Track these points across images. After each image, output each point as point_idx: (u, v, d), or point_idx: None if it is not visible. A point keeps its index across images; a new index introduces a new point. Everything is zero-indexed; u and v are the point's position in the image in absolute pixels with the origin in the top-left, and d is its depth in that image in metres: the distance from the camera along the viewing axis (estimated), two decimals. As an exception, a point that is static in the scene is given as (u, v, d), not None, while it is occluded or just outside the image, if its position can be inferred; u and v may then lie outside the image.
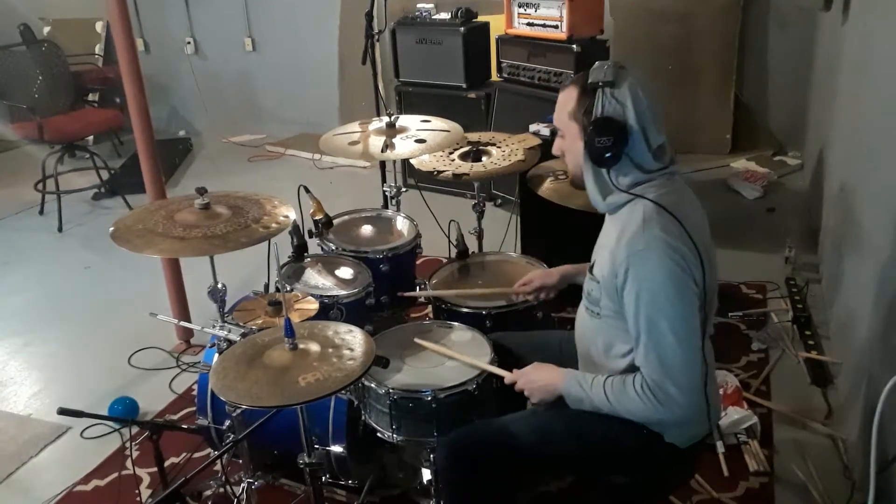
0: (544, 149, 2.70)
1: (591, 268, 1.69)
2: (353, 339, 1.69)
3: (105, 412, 2.67)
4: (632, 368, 1.59)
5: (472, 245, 2.71)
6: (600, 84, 1.55)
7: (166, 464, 2.11)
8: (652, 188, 1.58)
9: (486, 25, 4.48)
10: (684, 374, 1.50)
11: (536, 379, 1.72)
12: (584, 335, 1.75)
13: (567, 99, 1.63)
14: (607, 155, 1.55)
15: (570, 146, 1.65)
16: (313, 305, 2.12)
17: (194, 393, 2.68)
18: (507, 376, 1.79)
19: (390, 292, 2.53)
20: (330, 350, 1.64)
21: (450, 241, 2.74)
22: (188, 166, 5.67)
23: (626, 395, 1.56)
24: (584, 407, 1.63)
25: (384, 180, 3.38)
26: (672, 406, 1.51)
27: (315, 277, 2.45)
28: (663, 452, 1.64)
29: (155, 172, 3.06)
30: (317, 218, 2.64)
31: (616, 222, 1.61)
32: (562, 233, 2.61)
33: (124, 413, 2.69)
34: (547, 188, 2.50)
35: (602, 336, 1.66)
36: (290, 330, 1.63)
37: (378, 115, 3.27)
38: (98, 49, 6.03)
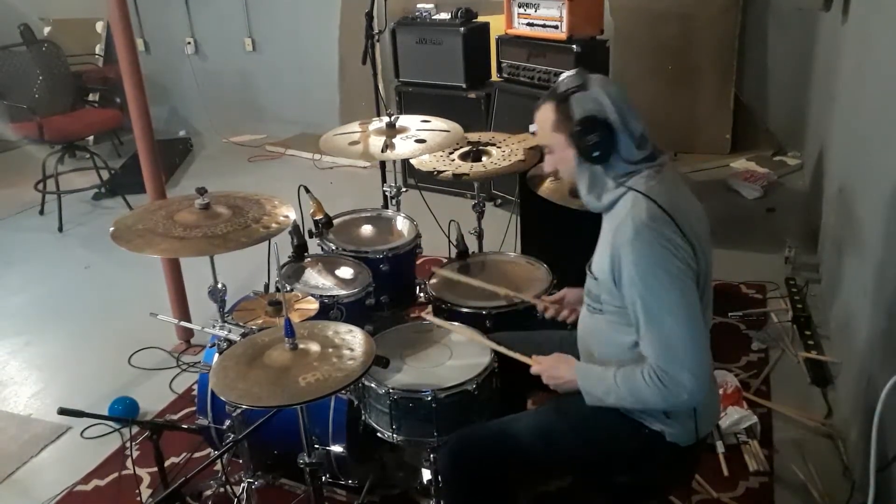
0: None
1: (590, 266, 1.70)
2: (353, 339, 1.70)
3: (105, 412, 2.67)
4: (640, 358, 1.58)
5: (472, 245, 2.71)
6: (571, 91, 1.61)
7: (166, 464, 2.11)
8: (641, 179, 1.60)
9: (486, 25, 4.48)
10: (688, 354, 1.50)
11: (559, 376, 1.72)
12: (585, 335, 1.76)
13: (545, 115, 1.66)
14: (598, 152, 1.59)
15: (561, 157, 1.68)
16: (313, 305, 2.13)
17: (194, 393, 2.68)
18: (533, 366, 1.77)
19: (390, 292, 2.53)
20: (330, 350, 1.65)
21: (450, 241, 2.74)
22: (188, 166, 5.67)
23: (637, 385, 1.55)
24: (608, 402, 1.62)
25: (384, 180, 3.38)
26: (679, 389, 1.50)
27: (315, 277, 2.45)
28: (664, 452, 1.64)
29: (155, 172, 3.06)
30: (317, 218, 2.64)
31: (611, 219, 1.62)
32: (562, 233, 2.61)
33: (124, 413, 2.69)
34: (547, 188, 2.50)
35: (605, 331, 1.66)
36: (290, 330, 1.63)
37: (378, 115, 3.27)
38: (98, 49, 6.02)
